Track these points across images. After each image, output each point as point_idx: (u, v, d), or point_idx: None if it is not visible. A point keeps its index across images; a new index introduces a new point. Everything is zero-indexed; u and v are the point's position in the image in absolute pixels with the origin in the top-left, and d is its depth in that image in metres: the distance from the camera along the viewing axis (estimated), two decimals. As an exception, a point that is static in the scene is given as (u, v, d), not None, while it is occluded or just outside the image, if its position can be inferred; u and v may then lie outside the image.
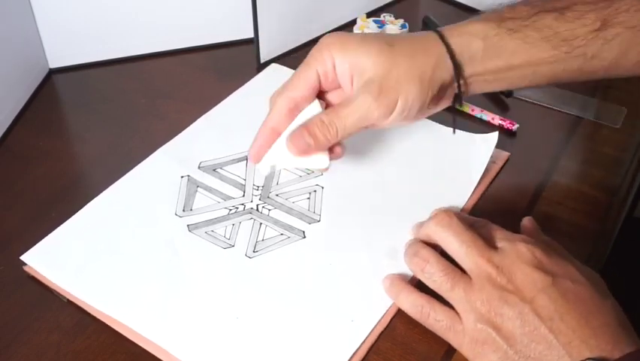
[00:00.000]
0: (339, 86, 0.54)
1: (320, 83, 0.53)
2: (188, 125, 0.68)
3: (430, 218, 0.51)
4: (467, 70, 0.53)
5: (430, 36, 0.53)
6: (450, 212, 0.51)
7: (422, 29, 0.82)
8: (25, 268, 0.54)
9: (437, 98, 0.53)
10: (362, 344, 0.49)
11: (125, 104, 0.73)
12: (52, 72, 0.77)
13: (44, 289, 0.53)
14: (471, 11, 0.83)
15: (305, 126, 0.52)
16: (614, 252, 0.61)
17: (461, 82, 0.53)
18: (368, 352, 0.49)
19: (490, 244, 0.49)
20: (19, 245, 0.56)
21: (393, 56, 0.51)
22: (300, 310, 0.51)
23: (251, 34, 0.75)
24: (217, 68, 0.78)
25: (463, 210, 0.59)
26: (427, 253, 0.50)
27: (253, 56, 0.76)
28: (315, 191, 0.61)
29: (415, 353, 0.49)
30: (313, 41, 0.80)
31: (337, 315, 0.51)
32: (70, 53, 0.76)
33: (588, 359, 0.42)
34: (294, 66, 0.74)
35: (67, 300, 0.52)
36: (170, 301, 0.51)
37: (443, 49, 0.52)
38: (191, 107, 0.70)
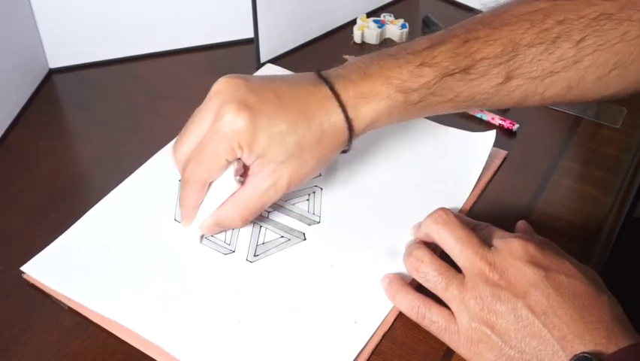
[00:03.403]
0: None
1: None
2: (188, 125, 0.68)
3: (428, 216, 0.51)
4: (359, 131, 0.53)
5: (338, 127, 0.51)
6: (447, 210, 0.51)
7: (422, 29, 0.82)
8: (25, 277, 0.54)
9: None
10: (366, 345, 0.49)
11: (125, 104, 0.73)
12: (52, 72, 0.77)
13: (45, 297, 0.53)
14: (470, 11, 0.83)
15: (217, 222, 0.54)
16: (614, 252, 0.61)
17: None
18: (372, 353, 0.49)
19: (486, 243, 0.49)
20: (19, 245, 0.56)
21: (302, 159, 0.51)
22: (303, 313, 0.51)
23: (251, 34, 0.75)
24: (217, 68, 0.77)
25: (462, 209, 0.59)
26: (422, 253, 0.50)
27: (253, 56, 0.76)
28: (314, 192, 0.61)
29: (415, 353, 0.49)
30: (313, 41, 0.81)
31: (340, 317, 0.51)
32: (70, 53, 0.76)
33: (582, 353, 0.42)
34: (293, 66, 0.75)
35: (69, 307, 0.52)
36: (173, 307, 0.51)
37: (346, 135, 0.52)
38: (191, 107, 0.69)
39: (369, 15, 0.83)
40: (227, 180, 0.52)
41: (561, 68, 0.53)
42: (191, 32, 0.79)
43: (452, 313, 0.48)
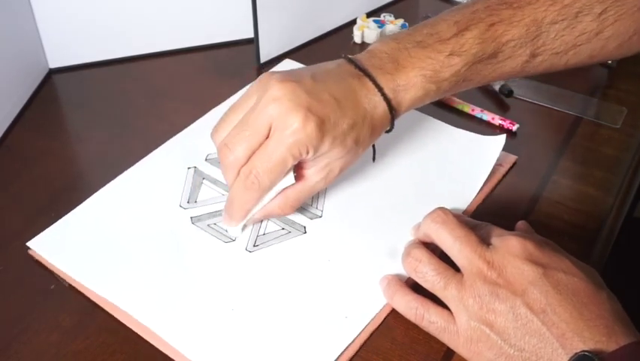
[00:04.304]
0: None
1: None
2: (188, 125, 0.68)
3: (426, 215, 0.51)
4: (399, 116, 0.56)
5: (384, 117, 0.54)
6: (446, 209, 0.51)
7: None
8: (30, 252, 0.55)
9: None
10: (354, 340, 0.49)
11: (125, 104, 0.73)
12: (52, 72, 0.77)
13: (45, 289, 0.53)
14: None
15: (267, 214, 0.56)
16: (614, 252, 0.61)
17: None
18: (361, 349, 0.49)
19: (485, 241, 0.49)
20: (18, 245, 0.56)
21: (357, 152, 0.54)
22: (295, 305, 0.51)
23: (251, 34, 0.75)
24: (217, 68, 0.78)
25: (465, 211, 0.59)
26: (420, 253, 0.50)
27: (253, 56, 0.76)
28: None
29: (415, 353, 0.49)
30: (313, 41, 0.81)
31: (331, 311, 0.51)
32: (70, 53, 0.76)
33: (582, 351, 0.42)
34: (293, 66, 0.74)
35: (69, 285, 0.53)
36: (169, 291, 0.52)
37: (389, 122, 0.55)
38: (191, 107, 0.70)
39: (369, 15, 0.83)
40: (285, 177, 0.53)
41: (584, 40, 0.55)
42: (191, 32, 0.79)
43: (451, 313, 0.48)
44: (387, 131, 0.56)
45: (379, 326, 0.51)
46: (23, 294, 0.53)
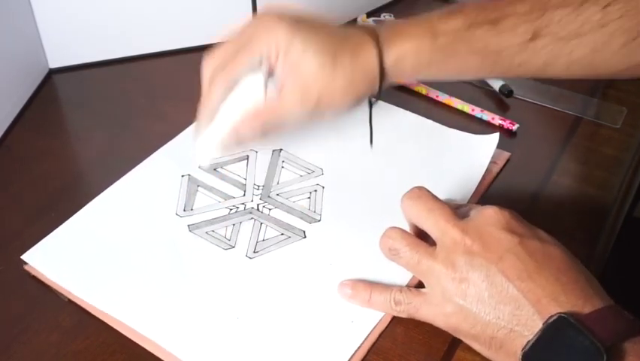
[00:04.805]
0: None
1: None
2: (188, 125, 0.67)
3: (403, 195, 0.51)
4: (392, 80, 0.56)
5: (370, 52, 0.54)
6: (422, 186, 0.51)
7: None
8: (26, 268, 0.54)
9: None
10: (362, 344, 0.49)
11: (125, 104, 0.73)
12: (52, 72, 0.77)
13: (45, 289, 0.53)
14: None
15: (237, 134, 0.56)
16: (614, 252, 0.61)
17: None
18: (368, 352, 0.49)
19: (462, 216, 0.49)
20: (18, 245, 0.56)
21: (334, 74, 0.53)
22: (301, 311, 0.51)
23: (251, 34, 0.75)
24: (217, 68, 0.77)
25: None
26: (393, 231, 0.50)
27: (253, 56, 0.76)
28: (315, 190, 0.61)
29: (415, 353, 0.49)
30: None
31: (337, 316, 0.51)
32: (70, 53, 0.76)
33: (558, 313, 0.41)
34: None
35: (68, 300, 0.52)
36: (170, 301, 0.52)
37: (377, 67, 0.55)
38: (191, 107, 0.69)
39: (369, 15, 0.83)
40: (255, 91, 0.54)
41: (587, 30, 0.55)
42: (191, 32, 0.79)
43: (426, 289, 0.48)
44: (378, 95, 0.56)
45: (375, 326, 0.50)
46: (23, 294, 0.53)
